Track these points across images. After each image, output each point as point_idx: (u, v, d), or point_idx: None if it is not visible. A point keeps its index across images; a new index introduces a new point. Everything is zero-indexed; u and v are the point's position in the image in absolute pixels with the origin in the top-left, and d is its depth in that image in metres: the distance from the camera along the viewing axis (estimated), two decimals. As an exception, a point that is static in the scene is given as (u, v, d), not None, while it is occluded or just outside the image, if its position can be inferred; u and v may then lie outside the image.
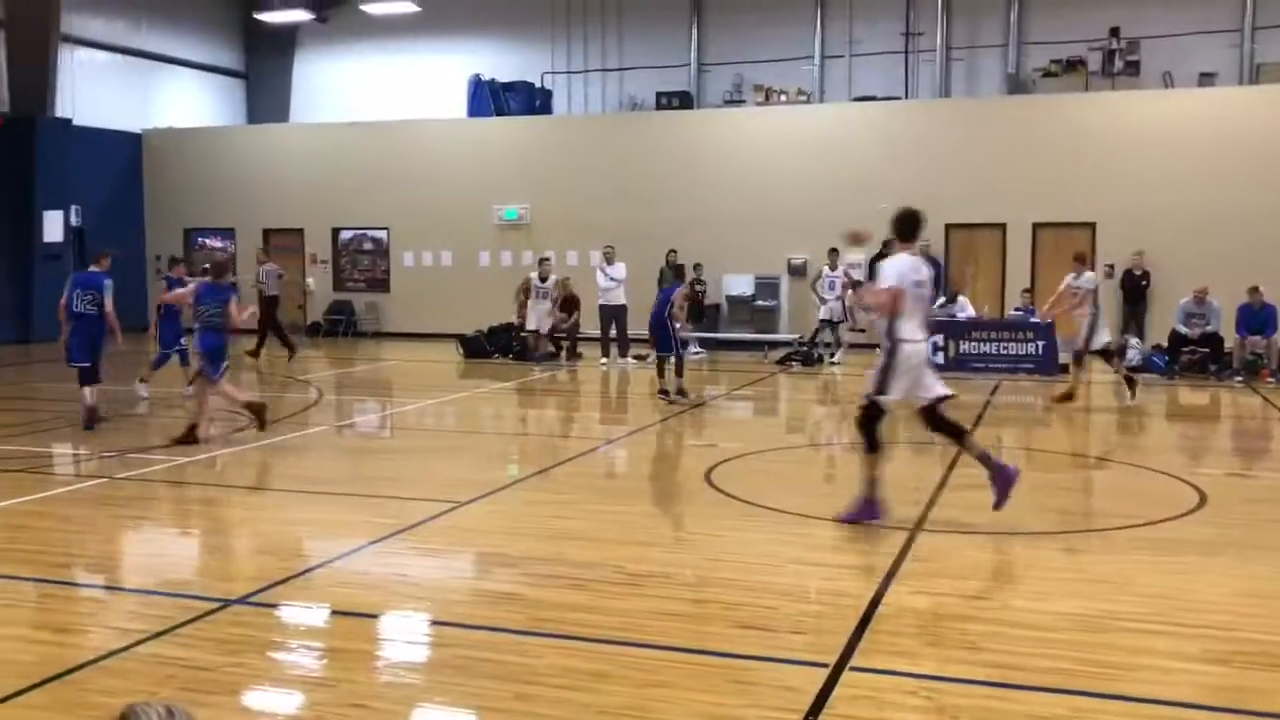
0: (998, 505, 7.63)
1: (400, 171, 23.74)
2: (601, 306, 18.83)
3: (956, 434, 7.86)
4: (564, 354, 19.56)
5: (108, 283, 12.13)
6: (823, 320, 19.47)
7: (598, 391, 16.90)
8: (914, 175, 20.51)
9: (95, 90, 23.82)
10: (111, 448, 10.87)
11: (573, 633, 5.46)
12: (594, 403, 16.17)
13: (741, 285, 21.58)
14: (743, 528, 7.67)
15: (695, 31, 24.54)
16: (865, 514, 7.70)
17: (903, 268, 7.63)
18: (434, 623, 5.76)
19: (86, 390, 11.95)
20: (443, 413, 14.19)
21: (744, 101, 23.87)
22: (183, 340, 14.03)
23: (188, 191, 25.32)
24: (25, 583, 6.52)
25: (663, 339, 14.24)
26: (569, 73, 25.33)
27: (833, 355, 19.13)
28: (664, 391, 14.16)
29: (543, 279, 19.06)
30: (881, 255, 19.93)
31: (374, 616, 5.89)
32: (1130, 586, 6.30)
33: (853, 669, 5.02)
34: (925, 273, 7.75)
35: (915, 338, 7.60)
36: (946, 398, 7.69)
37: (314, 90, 27.56)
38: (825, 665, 5.03)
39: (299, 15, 25.59)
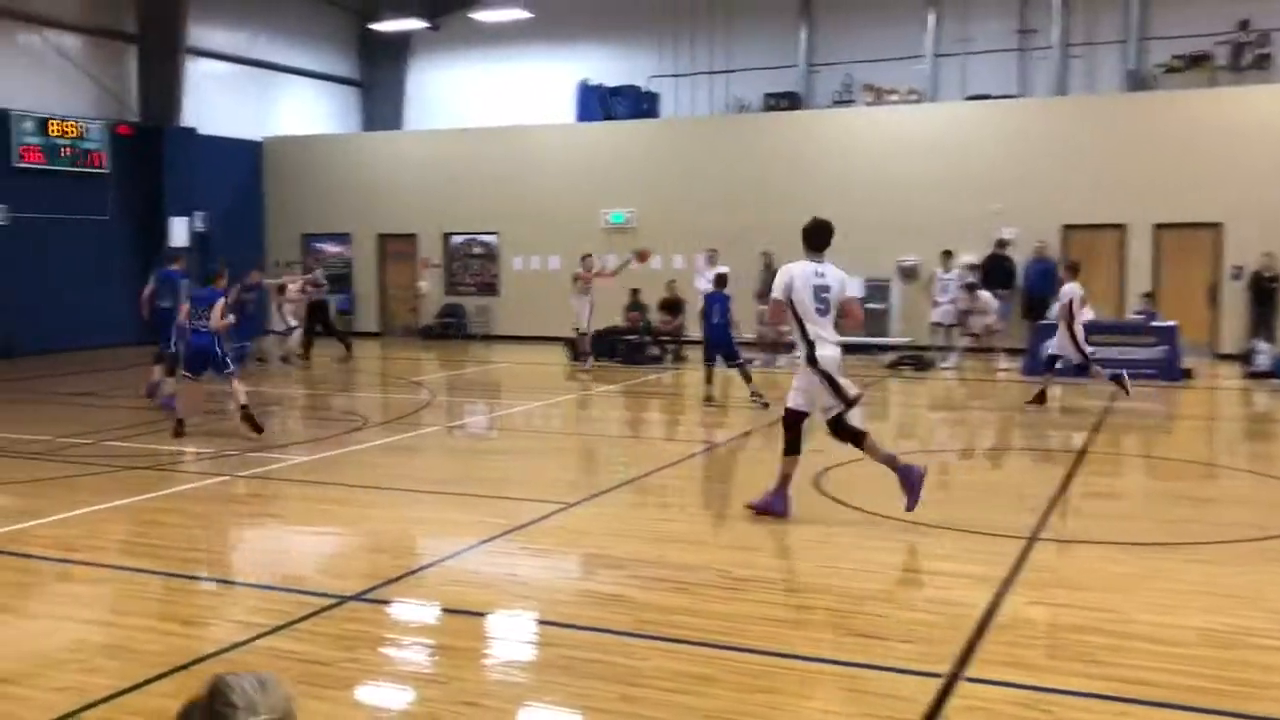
0: (910, 507, 7.68)
1: (510, 176, 24.06)
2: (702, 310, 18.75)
3: (857, 439, 7.97)
4: (669, 357, 19.59)
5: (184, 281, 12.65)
6: (934, 323, 19.14)
7: (701, 395, 16.87)
8: (1029, 175, 20.04)
9: (218, 100, 24.66)
10: (232, 447, 11.23)
11: (677, 635, 5.45)
12: (697, 406, 16.14)
13: (852, 288, 21.26)
14: (850, 534, 7.58)
15: (804, 32, 24.36)
16: (774, 506, 7.89)
17: (794, 273, 7.83)
18: (542, 622, 5.81)
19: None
20: (549, 415, 14.32)
21: (854, 102, 23.60)
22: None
23: (305, 198, 26.04)
24: (153, 576, 6.77)
25: (729, 348, 14.25)
26: (676, 76, 25.37)
27: (945, 359, 18.79)
28: (756, 395, 14.05)
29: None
30: (996, 259, 19.61)
31: (484, 615, 5.97)
32: (1262, 601, 6.04)
33: (967, 680, 4.92)
34: (830, 278, 7.90)
35: (828, 339, 7.86)
36: (855, 401, 7.93)
37: (427, 97, 28.12)
38: (938, 675, 4.93)
39: (412, 24, 26.14)
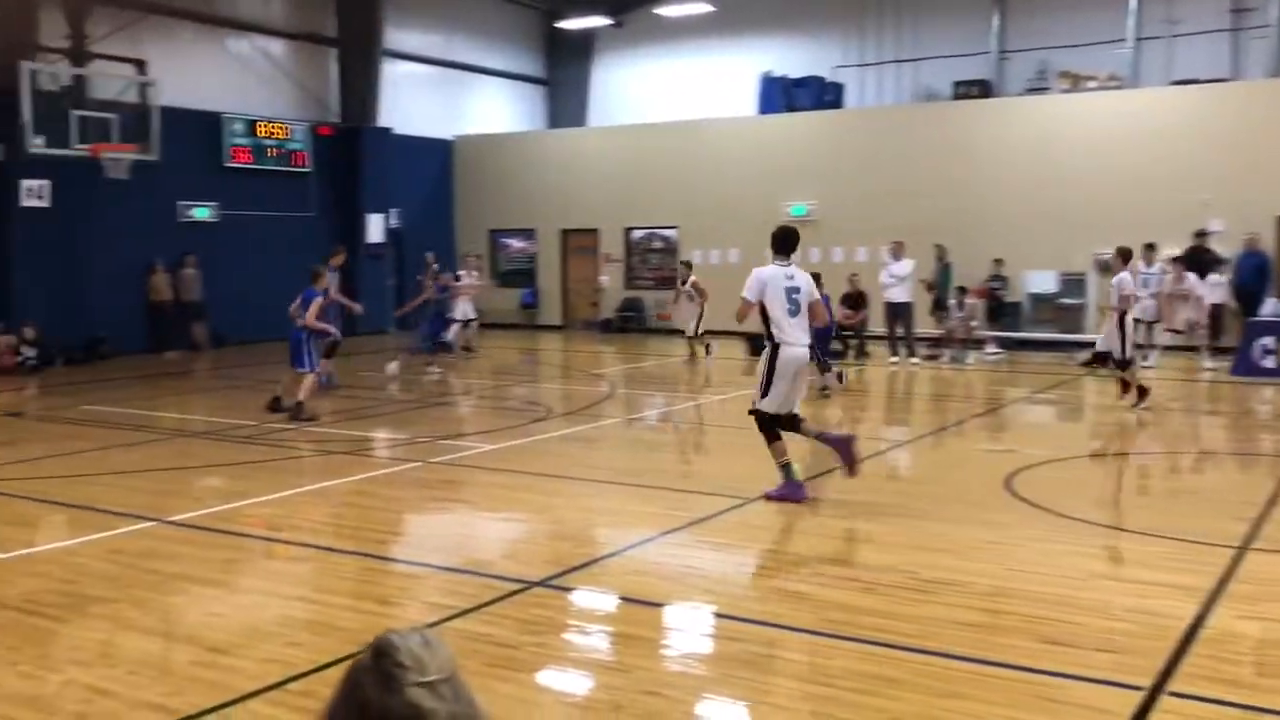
0: (851, 473, 8.27)
1: (691, 170, 24.13)
2: (885, 304, 18.41)
3: (795, 426, 8.46)
4: (851, 352, 19.28)
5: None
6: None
7: (884, 391, 16.54)
8: (1241, 164, 18.82)
9: (412, 101, 25.59)
10: (424, 434, 11.64)
11: (864, 636, 5.35)
12: (880, 403, 15.83)
13: (1044, 282, 20.50)
14: (1044, 538, 7.28)
15: (997, 16, 23.55)
16: (792, 494, 8.23)
17: (766, 277, 8.28)
18: (724, 616, 5.80)
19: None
20: (728, 409, 14.26)
21: (1048, 89, 22.67)
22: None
23: (492, 194, 26.77)
24: (350, 556, 7.08)
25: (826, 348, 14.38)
26: (860, 65, 24.93)
27: (1145, 357, 17.86)
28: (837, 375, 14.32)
29: (682, 281, 19.00)
30: (1197, 251, 18.48)
31: (666, 606, 6.00)
32: None
33: (1171, 694, 4.65)
34: (799, 280, 8.34)
35: (795, 340, 8.24)
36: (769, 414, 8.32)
37: (610, 93, 28.49)
38: (1138, 688, 4.69)
39: (597, 21, 26.53)
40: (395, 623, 5.67)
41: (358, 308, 15.18)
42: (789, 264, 8.47)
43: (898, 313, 18.18)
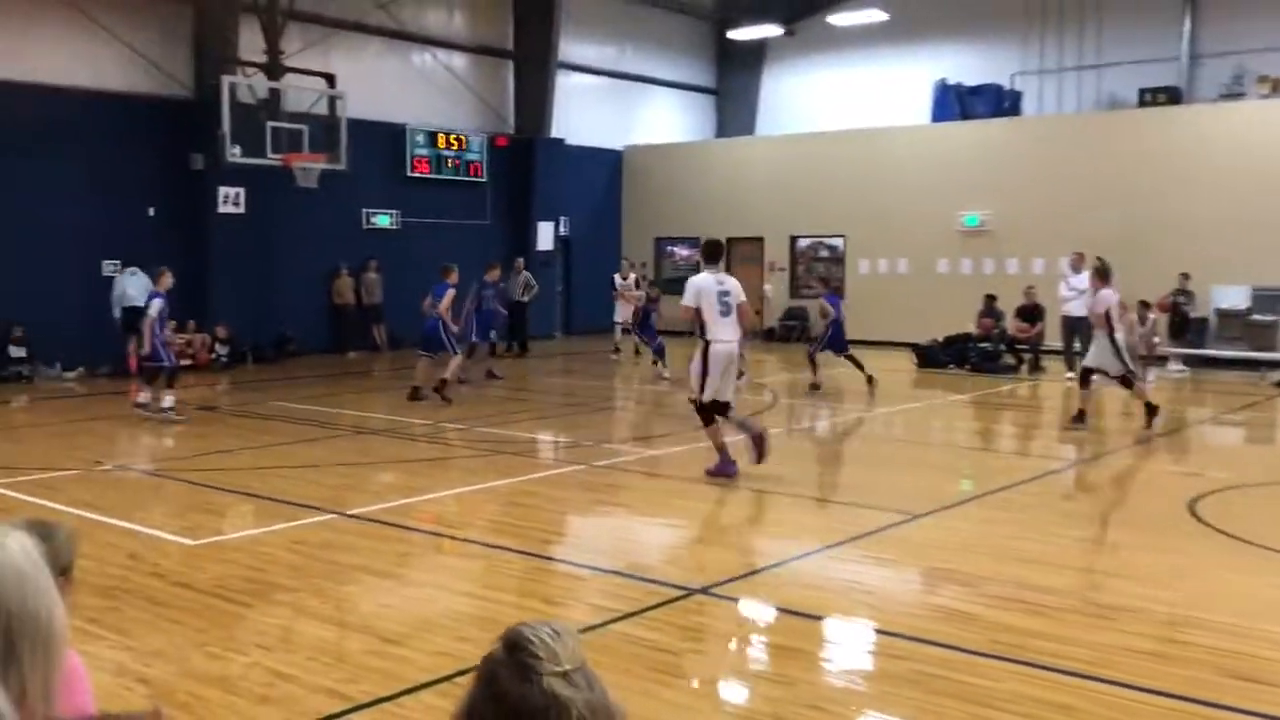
0: (758, 461, 9.34)
1: (859, 179, 23.81)
2: (1062, 318, 17.73)
3: (724, 411, 9.58)
4: (1025, 366, 18.68)
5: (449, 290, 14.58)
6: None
7: (1059, 408, 15.95)
8: None
9: (584, 111, 26.04)
10: (588, 437, 11.82)
11: (1034, 660, 5.17)
12: (1055, 419, 15.27)
13: (1234, 298, 19.42)
14: (1233, 566, 6.90)
15: (1188, 20, 22.46)
16: (724, 470, 9.38)
17: (700, 285, 9.40)
18: (888, 633, 5.69)
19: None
20: (894, 422, 14.02)
21: (1244, 94, 21.49)
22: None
23: (659, 203, 26.99)
24: (516, 555, 7.25)
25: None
26: (1040, 72, 24.15)
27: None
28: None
29: (623, 278, 19.22)
30: None
31: (829, 620, 5.93)
32: None
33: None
34: (729, 285, 9.43)
35: (725, 338, 9.34)
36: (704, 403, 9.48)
37: (779, 102, 28.37)
38: (1339, 733, 4.39)
39: (769, 31, 26.47)
40: (562, 622, 5.78)
41: (454, 328, 15.07)
42: (719, 270, 9.63)
43: (1076, 327, 17.47)
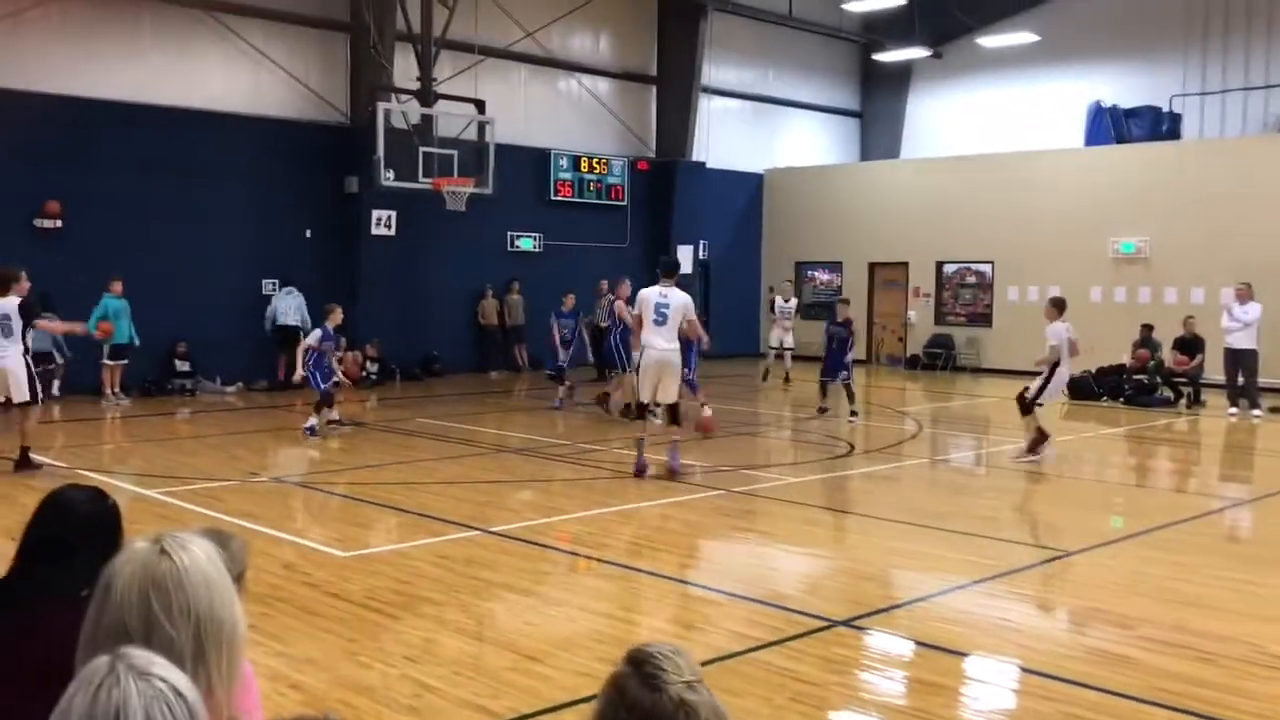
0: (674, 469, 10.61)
1: (1009, 204, 23.21)
2: (1226, 350, 16.89)
3: (676, 420, 11.07)
4: (1184, 400, 17.87)
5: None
6: None
7: (1219, 444, 15.22)
8: None
9: (726, 135, 26.08)
10: (727, 463, 11.77)
11: (1200, 710, 4.92)
12: (1217, 456, 14.58)
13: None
14: None
15: (1365, 38, 21.31)
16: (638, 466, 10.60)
17: (643, 296, 10.74)
18: (1037, 673, 5.48)
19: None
20: (1044, 455, 13.55)
21: None
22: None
23: (800, 226, 26.80)
24: (654, 578, 7.25)
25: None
26: (1202, 94, 23.19)
27: None
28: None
29: (785, 300, 18.22)
30: None
31: (974, 657, 5.75)
32: None
33: None
34: (671, 299, 10.55)
35: (655, 345, 10.49)
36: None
37: (924, 125, 27.93)
38: None
39: (916, 53, 26.10)
40: (699, 648, 5.75)
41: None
42: (669, 286, 10.72)
43: (1240, 360, 16.65)
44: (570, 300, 17.21)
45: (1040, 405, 12.42)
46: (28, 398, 10.52)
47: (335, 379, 13.55)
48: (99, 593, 1.68)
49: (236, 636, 1.69)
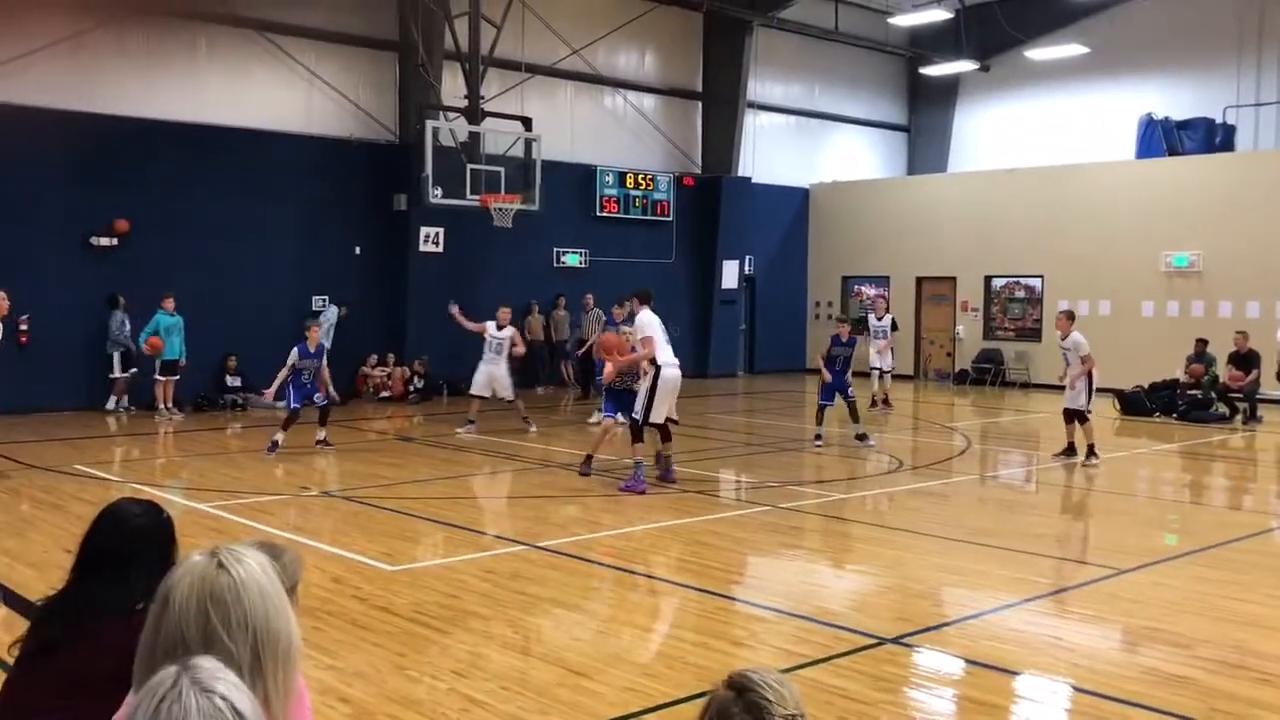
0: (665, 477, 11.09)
1: (1058, 217, 22.95)
2: (1282, 365, 16.61)
3: (666, 437, 11.28)
4: (1239, 416, 17.55)
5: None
6: None
7: (1276, 460, 14.92)
8: None
9: (772, 150, 26.05)
10: (773, 478, 11.71)
11: (1260, 733, 4.81)
12: (1272, 473, 14.29)
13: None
14: None
15: None
16: (635, 486, 10.59)
17: (654, 319, 11.22)
18: (1090, 693, 5.40)
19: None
20: (1093, 471, 13.37)
21: None
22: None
23: (847, 241, 26.67)
24: (701, 594, 7.22)
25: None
26: (1257, 105, 22.83)
27: None
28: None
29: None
30: None
31: (1026, 676, 5.67)
32: None
33: None
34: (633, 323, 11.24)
35: (674, 364, 11.02)
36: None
37: (972, 139, 27.72)
38: None
39: (963, 66, 25.93)
40: (746, 664, 5.71)
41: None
42: (653, 309, 11.40)
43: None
44: (620, 312, 17.21)
45: (1090, 413, 13.13)
46: None
47: (319, 398, 13.32)
48: (157, 605, 1.70)
49: (292, 649, 1.71)
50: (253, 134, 18.22)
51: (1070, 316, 13.71)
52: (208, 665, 1.46)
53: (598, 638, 6.26)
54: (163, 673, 1.44)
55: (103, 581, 2.74)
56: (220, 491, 10.49)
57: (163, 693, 1.40)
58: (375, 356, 19.55)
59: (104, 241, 16.85)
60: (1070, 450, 13.37)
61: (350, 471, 12.25)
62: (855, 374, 15.16)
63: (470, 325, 15.79)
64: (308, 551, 7.91)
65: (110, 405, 16.71)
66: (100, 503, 2.95)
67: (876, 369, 19.17)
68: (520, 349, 15.73)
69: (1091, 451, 12.98)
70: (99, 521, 2.82)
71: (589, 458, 11.75)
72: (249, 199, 18.10)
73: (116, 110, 16.85)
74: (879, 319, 19.32)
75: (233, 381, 17.83)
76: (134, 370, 16.72)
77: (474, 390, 15.73)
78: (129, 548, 2.76)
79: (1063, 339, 13.56)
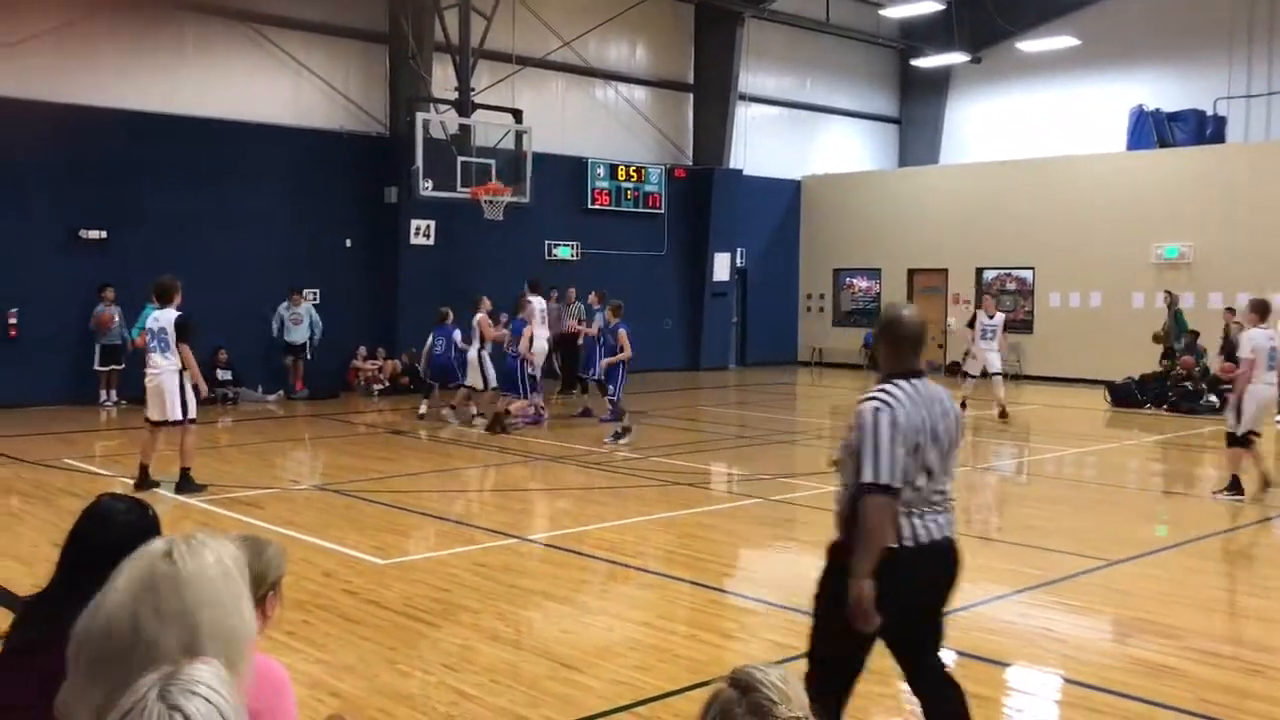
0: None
1: (1049, 209, 22.98)
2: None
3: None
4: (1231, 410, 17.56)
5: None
6: None
7: (1267, 452, 14.93)
8: None
9: (763, 142, 26.02)
10: (765, 471, 11.71)
11: (1249, 723, 4.82)
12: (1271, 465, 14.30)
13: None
14: None
15: None
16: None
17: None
18: (1080, 684, 5.41)
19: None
20: (1086, 463, 13.41)
21: None
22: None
23: (838, 233, 26.68)
24: (692, 586, 7.22)
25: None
26: (1247, 97, 22.87)
27: None
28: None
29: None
30: None
31: (1017, 667, 5.68)
32: None
33: None
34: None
35: None
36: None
37: (963, 131, 27.74)
38: None
39: (955, 58, 25.93)
40: (737, 657, 5.72)
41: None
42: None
43: (1285, 368, 16.32)
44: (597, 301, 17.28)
45: (1257, 435, 10.45)
46: (178, 416, 10.03)
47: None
48: (106, 585, 1.67)
49: (237, 638, 1.65)
50: (242, 126, 18.13)
51: (1256, 309, 10.54)
52: (190, 677, 1.42)
53: (589, 631, 6.25)
54: (142, 681, 1.41)
55: (87, 579, 2.71)
56: (210, 485, 10.45)
57: (131, 704, 1.38)
58: (365, 349, 19.50)
59: (92, 234, 16.77)
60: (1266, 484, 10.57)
61: (342, 465, 12.22)
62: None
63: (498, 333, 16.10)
64: (298, 545, 7.89)
65: (102, 399, 16.65)
66: (89, 497, 2.92)
67: (998, 373, 17.24)
68: (492, 335, 15.97)
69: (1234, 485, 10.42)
70: (83, 520, 2.79)
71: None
72: (238, 191, 18.03)
73: (103, 102, 16.76)
74: (989, 316, 17.38)
75: (223, 374, 17.76)
76: (119, 367, 16.55)
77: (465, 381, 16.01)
78: (114, 545, 2.73)
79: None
